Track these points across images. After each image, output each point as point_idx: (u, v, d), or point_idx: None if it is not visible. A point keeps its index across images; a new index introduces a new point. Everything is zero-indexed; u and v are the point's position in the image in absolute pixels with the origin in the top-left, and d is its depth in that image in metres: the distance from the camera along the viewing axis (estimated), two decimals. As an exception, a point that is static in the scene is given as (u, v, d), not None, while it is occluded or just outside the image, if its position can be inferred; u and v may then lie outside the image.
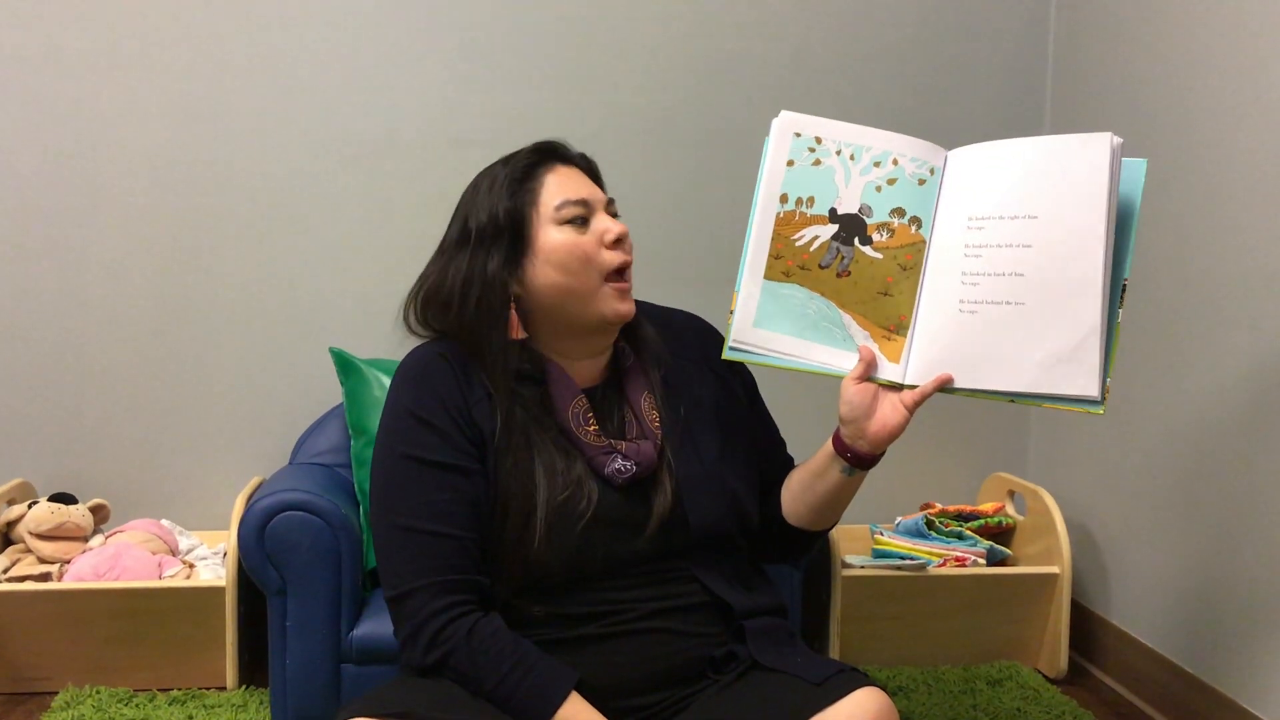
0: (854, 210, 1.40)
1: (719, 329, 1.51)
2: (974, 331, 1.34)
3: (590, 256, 1.39)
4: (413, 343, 1.48)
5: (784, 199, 1.41)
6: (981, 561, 2.36)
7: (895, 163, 1.39)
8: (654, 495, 1.39)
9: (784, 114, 1.42)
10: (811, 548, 1.57)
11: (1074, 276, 1.29)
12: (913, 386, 1.37)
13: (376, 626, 1.90)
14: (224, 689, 2.18)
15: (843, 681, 1.26)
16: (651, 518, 1.38)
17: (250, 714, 2.06)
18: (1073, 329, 1.29)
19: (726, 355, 1.43)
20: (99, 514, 2.38)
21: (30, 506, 2.31)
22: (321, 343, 2.42)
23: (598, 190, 1.44)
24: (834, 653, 2.23)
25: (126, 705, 2.08)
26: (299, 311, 2.50)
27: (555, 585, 1.36)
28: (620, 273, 1.41)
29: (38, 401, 2.46)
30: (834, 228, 1.40)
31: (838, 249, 1.40)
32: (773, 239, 1.41)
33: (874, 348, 1.38)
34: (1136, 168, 1.33)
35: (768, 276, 1.42)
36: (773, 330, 1.42)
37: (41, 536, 2.27)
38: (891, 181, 1.39)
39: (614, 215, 1.44)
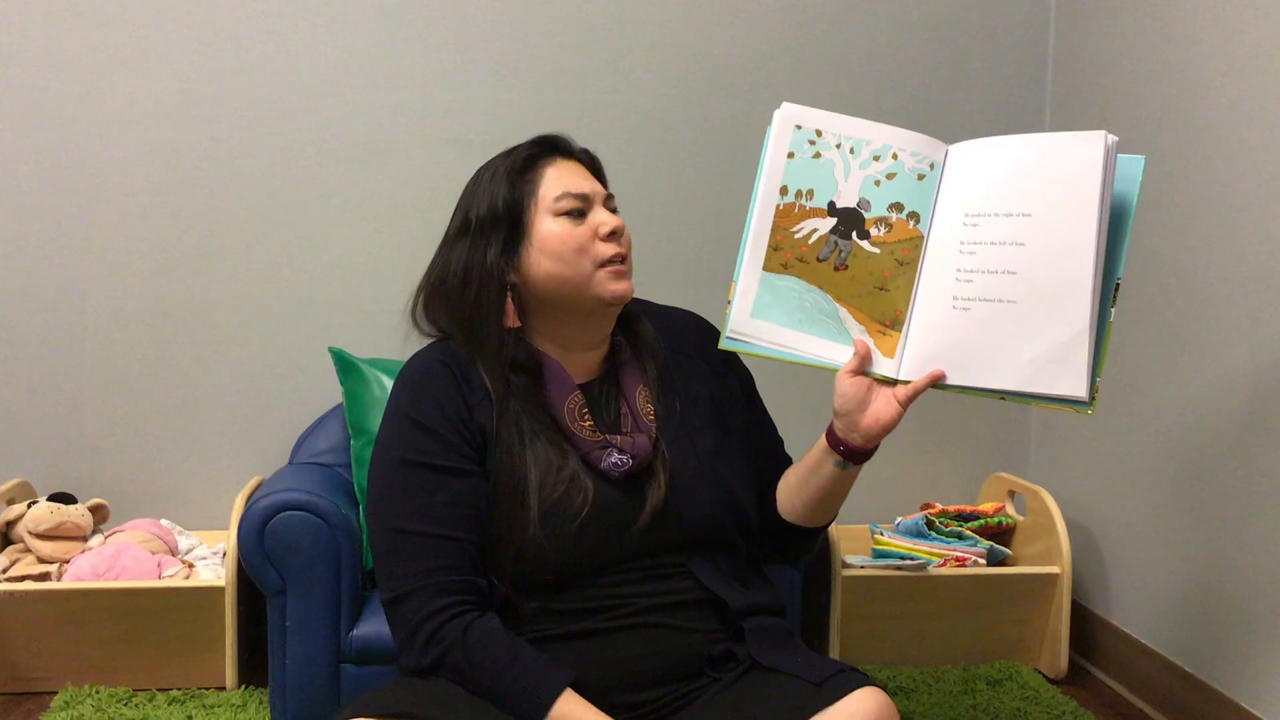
0: (852, 204, 1.40)
1: (717, 327, 1.52)
2: (967, 328, 1.34)
3: (584, 247, 1.40)
4: (414, 343, 1.50)
5: (784, 191, 1.41)
6: (982, 562, 2.36)
7: (895, 157, 1.39)
8: (648, 488, 1.40)
9: (785, 106, 1.42)
10: (809, 547, 1.56)
11: (1065, 276, 1.29)
12: (907, 382, 1.37)
13: (376, 627, 1.89)
14: (223, 689, 2.18)
15: (843, 681, 1.26)
16: (644, 511, 1.38)
17: (250, 714, 2.06)
18: (1062, 329, 1.29)
19: (723, 345, 1.44)
20: (98, 514, 2.38)
21: (29, 506, 2.31)
22: (321, 342, 2.42)
23: (597, 184, 1.46)
24: (834, 653, 2.23)
25: (126, 705, 2.08)
26: (299, 311, 2.50)
27: (550, 580, 1.36)
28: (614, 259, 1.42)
29: (37, 401, 2.46)
30: (832, 221, 1.40)
31: (836, 242, 1.40)
32: (772, 231, 1.42)
33: (869, 342, 1.38)
34: (1134, 164, 1.32)
35: (766, 268, 1.42)
36: (770, 321, 1.42)
37: (41, 536, 2.27)
38: (891, 176, 1.39)
39: (613, 210, 1.45)
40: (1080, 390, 1.28)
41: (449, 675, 1.29)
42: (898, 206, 1.39)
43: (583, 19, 2.51)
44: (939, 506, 2.52)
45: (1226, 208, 2.01)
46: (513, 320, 1.41)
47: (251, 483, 2.35)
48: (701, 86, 2.55)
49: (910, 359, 1.37)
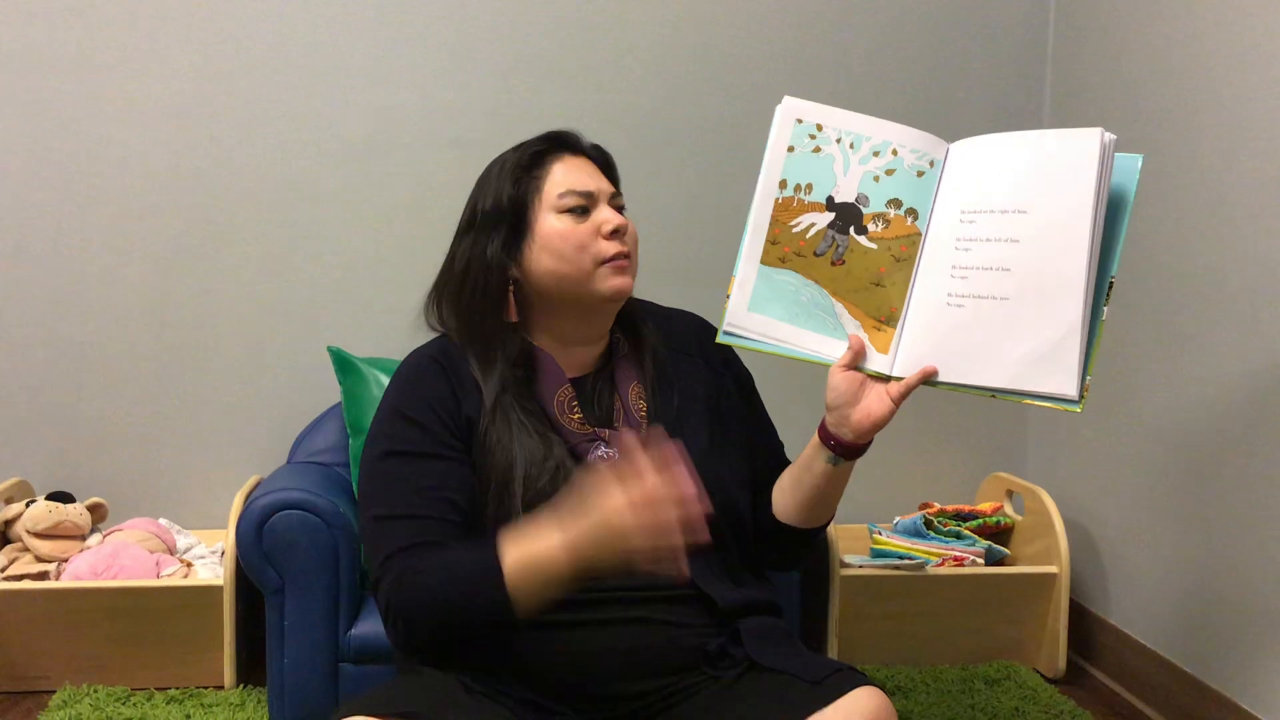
0: (851, 199, 1.40)
1: (718, 319, 1.52)
2: (960, 325, 1.34)
3: (585, 245, 1.41)
4: (413, 342, 1.51)
5: (783, 185, 1.41)
6: (980, 561, 2.36)
7: (894, 153, 1.39)
8: None
9: (787, 99, 1.42)
10: (805, 552, 1.56)
11: (1058, 273, 1.29)
12: (900, 378, 1.37)
13: (374, 626, 1.90)
14: (221, 688, 2.18)
15: (841, 681, 1.26)
16: None
17: (248, 713, 2.06)
18: (1054, 327, 1.29)
19: (720, 339, 1.44)
20: (97, 513, 2.38)
21: (28, 505, 2.31)
22: (319, 341, 2.42)
23: (604, 182, 1.46)
24: (832, 652, 2.23)
25: (124, 704, 2.08)
26: (297, 310, 2.50)
27: None
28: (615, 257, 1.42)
29: (35, 400, 2.46)
30: (830, 216, 1.40)
31: (833, 237, 1.40)
32: (770, 224, 1.42)
33: (864, 337, 1.38)
34: (1131, 163, 1.32)
35: (764, 261, 1.42)
36: (766, 315, 1.42)
37: (39, 535, 2.27)
38: (890, 172, 1.39)
39: (619, 208, 1.46)
40: (1070, 389, 1.28)
41: (415, 608, 1.29)
42: (896, 203, 1.39)
43: (582, 18, 2.51)
44: (937, 506, 2.52)
45: (1225, 206, 2.01)
46: (512, 315, 1.43)
47: (250, 482, 2.35)
48: (701, 86, 2.55)
49: (904, 355, 1.37)
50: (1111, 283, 1.30)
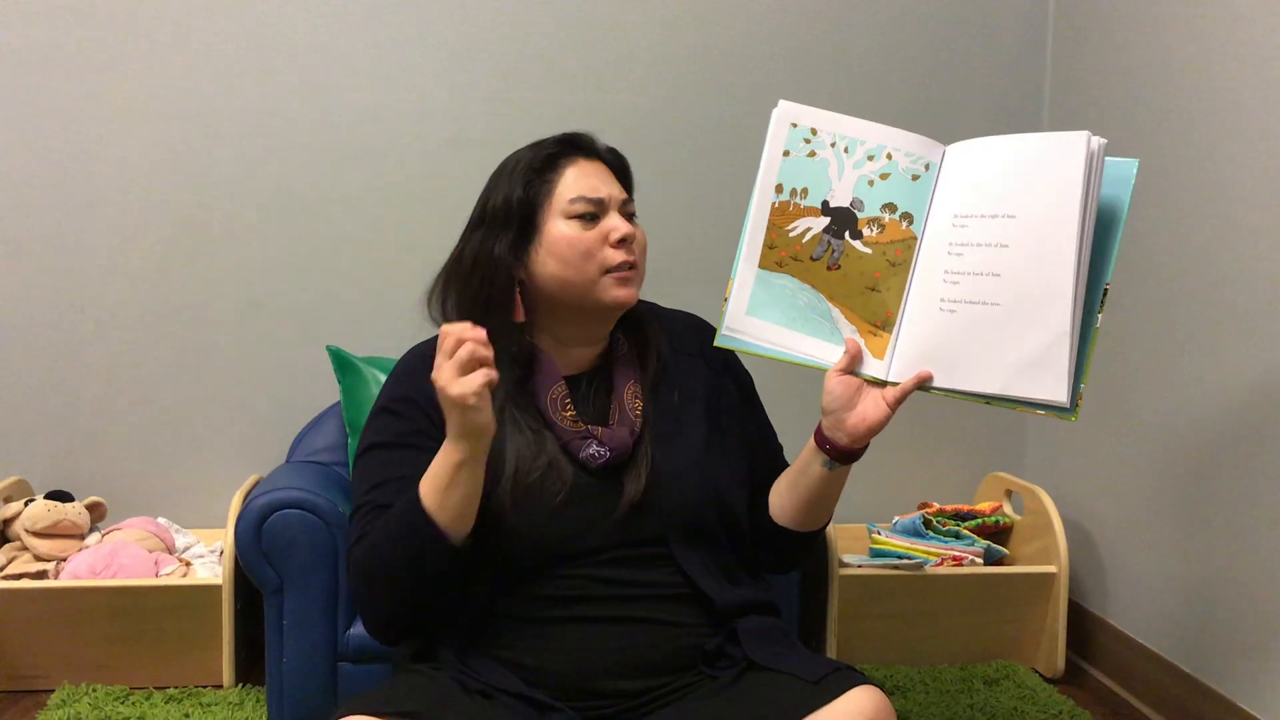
0: (845, 204, 1.39)
1: (717, 320, 1.52)
2: (953, 331, 1.34)
3: (591, 252, 1.40)
4: (412, 342, 1.52)
5: (779, 189, 1.41)
6: (979, 561, 2.36)
7: (889, 157, 1.39)
8: (628, 481, 1.41)
9: (782, 104, 1.42)
10: (804, 553, 1.56)
11: (1047, 278, 1.28)
12: (895, 383, 1.37)
13: (373, 625, 1.89)
14: (220, 687, 2.18)
15: (839, 680, 1.26)
16: (621, 503, 1.40)
17: (247, 712, 2.06)
18: (1043, 333, 1.28)
19: (718, 342, 1.44)
20: (95, 512, 2.38)
21: (26, 504, 2.31)
22: (319, 341, 2.42)
23: (617, 188, 1.45)
24: (831, 652, 2.23)
25: (123, 703, 2.08)
26: (296, 309, 2.50)
27: (525, 562, 1.38)
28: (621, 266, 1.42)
29: (34, 399, 2.46)
30: (826, 220, 1.40)
31: (829, 242, 1.40)
32: (767, 228, 1.42)
33: (860, 342, 1.38)
34: (1126, 168, 1.31)
35: (762, 265, 1.42)
36: (764, 319, 1.42)
37: (38, 534, 2.27)
38: (884, 176, 1.39)
39: (630, 214, 1.46)
40: (1061, 395, 1.28)
41: (368, 574, 1.33)
42: (891, 207, 1.39)
43: (582, 18, 2.51)
44: (936, 506, 2.52)
45: (1225, 207, 2.01)
46: (520, 315, 1.43)
47: (249, 481, 2.35)
48: (701, 86, 2.55)
49: (899, 360, 1.37)
50: (1106, 290, 1.29)
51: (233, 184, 2.46)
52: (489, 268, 1.41)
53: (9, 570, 2.22)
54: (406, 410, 1.42)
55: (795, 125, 1.41)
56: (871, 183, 1.39)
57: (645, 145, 2.52)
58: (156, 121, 2.43)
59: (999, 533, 2.48)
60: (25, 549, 2.28)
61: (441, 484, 1.28)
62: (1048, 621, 2.33)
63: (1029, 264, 1.29)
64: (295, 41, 2.45)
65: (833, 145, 1.40)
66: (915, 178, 1.38)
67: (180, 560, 2.30)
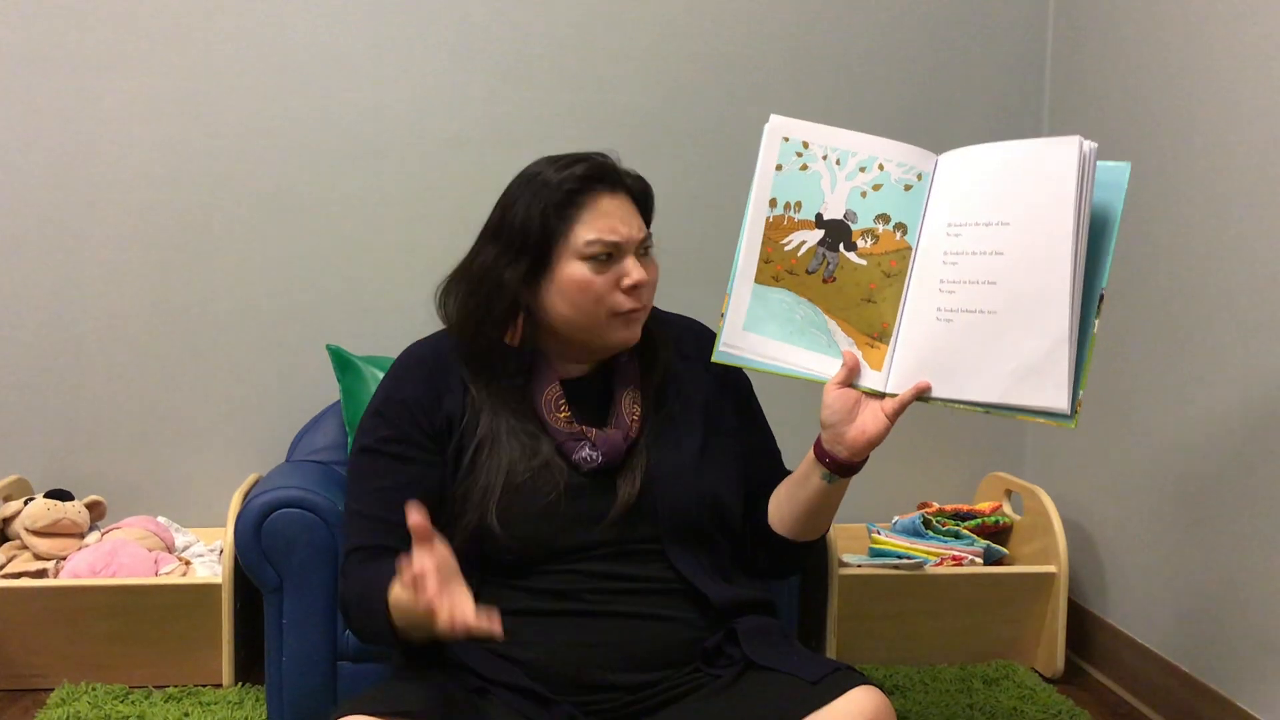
0: (839, 216, 1.39)
1: (715, 331, 1.52)
2: (950, 340, 1.33)
3: (601, 297, 1.40)
4: (411, 340, 1.52)
5: (773, 203, 1.41)
6: (978, 561, 2.36)
7: (881, 168, 1.38)
8: (621, 483, 1.42)
9: (773, 118, 1.42)
10: (799, 563, 1.56)
11: (1043, 285, 1.27)
12: (894, 395, 1.36)
13: (373, 624, 1.89)
14: (220, 686, 2.18)
15: (839, 680, 1.26)
16: (614, 506, 1.40)
17: (246, 711, 2.06)
18: (1041, 340, 1.27)
19: (716, 358, 1.44)
20: (95, 510, 2.38)
21: (26, 503, 2.31)
22: (318, 340, 2.42)
23: (636, 225, 1.43)
24: (831, 651, 2.23)
25: (122, 702, 2.08)
26: (296, 309, 2.50)
27: (516, 564, 1.39)
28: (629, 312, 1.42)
29: (34, 398, 2.46)
30: (820, 233, 1.40)
31: (824, 254, 1.40)
32: (762, 243, 1.41)
33: (858, 354, 1.38)
34: (1118, 172, 1.30)
35: (758, 280, 1.42)
36: (761, 334, 1.42)
37: (37, 533, 2.27)
38: (877, 187, 1.38)
39: (646, 251, 1.44)
40: (1061, 402, 1.27)
41: (343, 608, 1.42)
42: (884, 218, 1.38)
43: (582, 18, 2.50)
44: (936, 505, 2.52)
45: (1225, 210, 2.01)
46: (514, 339, 1.44)
47: (248, 480, 2.35)
48: (701, 86, 2.54)
49: (897, 371, 1.37)
50: (1102, 295, 1.28)
51: (233, 184, 2.46)
52: (495, 289, 1.41)
53: (9, 569, 2.22)
54: (397, 416, 1.43)
55: (787, 139, 1.41)
56: (864, 194, 1.38)
57: (646, 145, 2.52)
58: (156, 121, 2.43)
59: (999, 533, 2.48)
60: (25, 548, 2.28)
61: (406, 621, 1.27)
62: (1047, 621, 2.33)
63: (1025, 271, 1.29)
64: (295, 41, 2.45)
65: (824, 158, 1.40)
66: (908, 188, 1.38)
67: (180, 559, 2.30)
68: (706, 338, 1.55)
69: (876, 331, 1.38)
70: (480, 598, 1.38)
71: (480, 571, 1.40)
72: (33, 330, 2.45)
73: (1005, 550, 2.42)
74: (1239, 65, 1.97)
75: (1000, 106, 2.62)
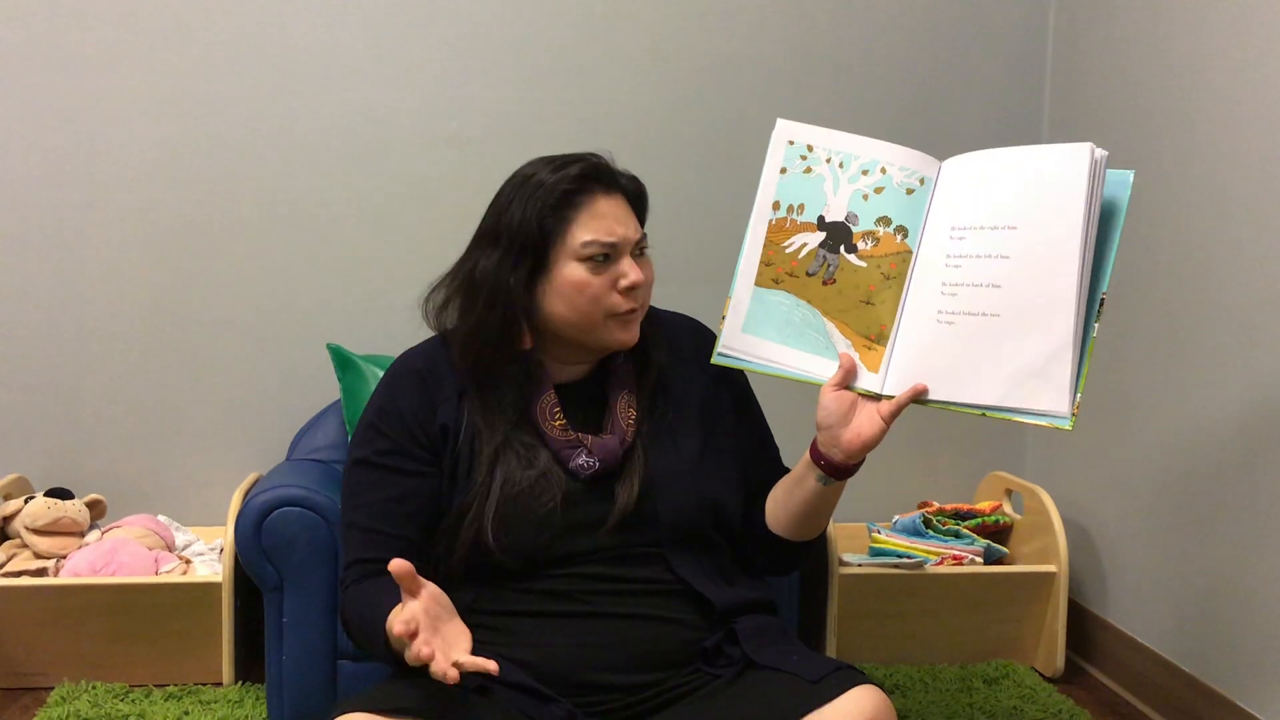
0: (841, 218, 1.40)
1: (715, 331, 1.52)
2: (950, 343, 1.34)
3: (599, 298, 1.40)
4: (412, 340, 1.52)
5: (776, 206, 1.42)
6: (979, 560, 2.36)
7: (883, 171, 1.39)
8: (619, 490, 1.42)
9: (780, 123, 1.43)
10: (797, 562, 1.56)
11: (1049, 290, 1.28)
12: (890, 397, 1.36)
13: (373, 623, 1.89)
14: (220, 685, 2.18)
15: (839, 679, 1.26)
16: (613, 512, 1.40)
17: (246, 710, 2.06)
18: (1045, 344, 1.28)
19: (715, 360, 1.45)
20: (95, 509, 2.38)
21: (26, 501, 2.31)
22: (319, 339, 2.42)
23: (631, 225, 1.43)
24: (831, 651, 2.23)
25: (122, 700, 2.08)
26: (296, 307, 2.50)
27: (515, 571, 1.39)
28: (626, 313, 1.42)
29: (34, 396, 2.46)
30: (821, 235, 1.40)
31: (824, 257, 1.40)
32: (764, 246, 1.42)
33: (855, 356, 1.38)
34: (1122, 179, 1.31)
35: (758, 283, 1.42)
36: (760, 337, 1.43)
37: (38, 531, 2.27)
38: (878, 190, 1.39)
39: (642, 250, 1.44)
40: (1062, 406, 1.27)
41: (344, 624, 1.42)
42: (885, 220, 1.39)
43: (584, 18, 2.50)
44: (936, 505, 2.52)
45: (1225, 212, 2.01)
46: (527, 343, 1.43)
47: (249, 479, 2.35)
48: (702, 86, 2.54)
49: (894, 374, 1.37)
50: (1103, 300, 1.29)
51: (232, 181, 2.46)
52: (500, 294, 1.40)
53: (9, 568, 2.22)
54: (391, 427, 1.43)
55: (792, 143, 1.42)
56: (866, 197, 1.39)
57: (647, 144, 2.53)
58: (156, 121, 2.43)
59: (999, 532, 2.48)
60: (25, 546, 2.28)
61: (404, 650, 1.26)
62: (1047, 621, 2.33)
63: (1031, 275, 1.29)
64: (295, 41, 2.45)
65: (828, 161, 1.40)
66: (910, 192, 1.38)
67: (180, 558, 2.30)
68: (705, 336, 1.55)
69: (874, 333, 1.38)
70: (480, 600, 1.40)
71: (480, 575, 1.40)
72: (33, 328, 2.45)
73: (1005, 550, 2.42)
74: (1239, 68, 1.97)
75: (1001, 109, 2.62)
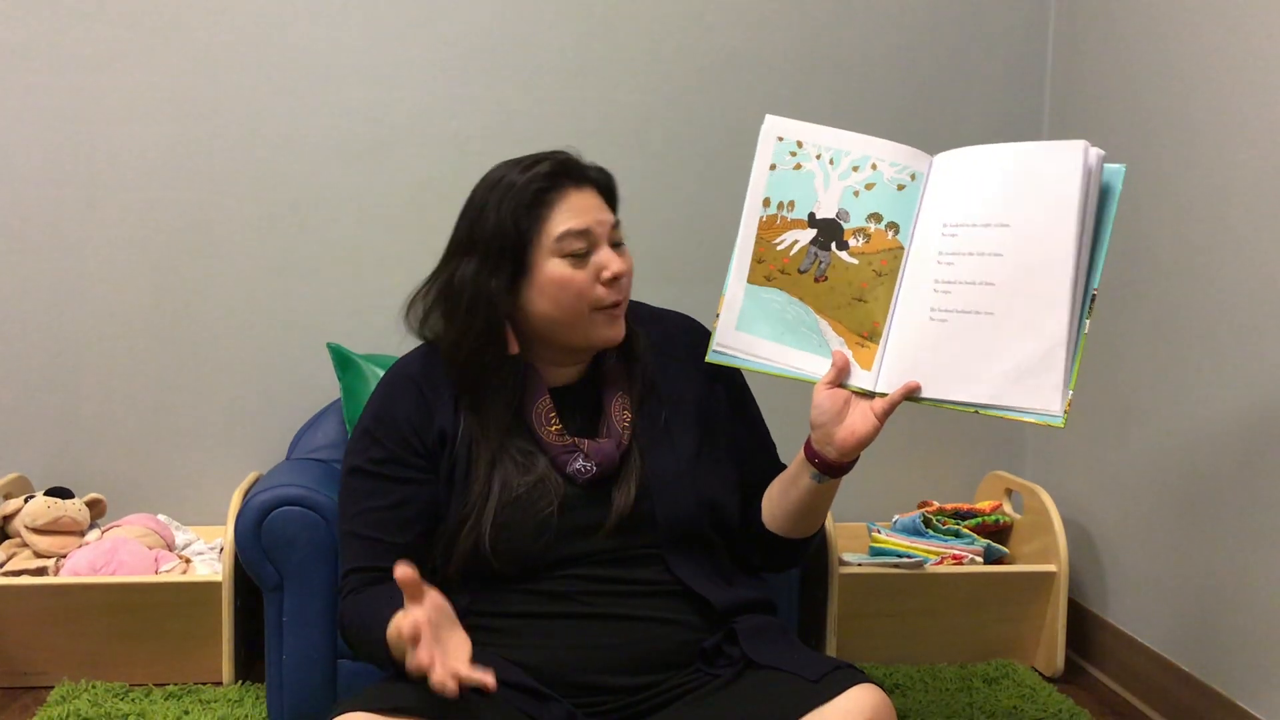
0: (831, 215, 1.39)
1: (709, 330, 1.52)
2: (943, 340, 1.33)
3: (583, 293, 1.40)
4: (412, 340, 1.52)
5: (767, 203, 1.41)
6: (979, 560, 2.36)
7: (874, 167, 1.38)
8: (616, 493, 1.42)
9: (769, 118, 1.42)
10: (794, 559, 1.56)
11: (1042, 288, 1.28)
12: (883, 394, 1.36)
13: (373, 622, 1.89)
14: (220, 684, 2.18)
15: (839, 679, 1.27)
16: (610, 516, 1.41)
17: (246, 709, 2.06)
18: (1038, 341, 1.28)
19: (709, 358, 1.45)
20: (95, 508, 2.38)
21: (26, 500, 2.31)
22: (319, 338, 2.42)
23: (605, 214, 1.43)
24: (831, 650, 2.23)
25: (122, 700, 2.08)
26: (297, 307, 2.50)
27: (514, 576, 1.40)
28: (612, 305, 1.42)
29: (35, 396, 2.46)
30: (812, 232, 1.40)
31: (816, 254, 1.40)
32: (756, 243, 1.42)
33: (848, 354, 1.38)
34: (1114, 175, 1.30)
35: (751, 280, 1.42)
36: (753, 334, 1.42)
37: (38, 531, 2.27)
38: (870, 186, 1.38)
39: (618, 241, 1.44)
40: (1055, 404, 1.27)
41: (343, 631, 1.43)
42: (876, 217, 1.38)
43: (584, 18, 2.50)
44: (936, 504, 2.51)
45: (1225, 212, 2.00)
46: (514, 347, 1.43)
47: (249, 478, 2.35)
48: (702, 86, 2.54)
49: (887, 371, 1.37)
50: (1094, 296, 1.28)
51: (232, 180, 2.46)
52: (481, 300, 1.39)
53: (9, 567, 2.22)
54: (386, 435, 1.43)
55: (781, 139, 1.41)
56: (857, 193, 1.38)
57: (647, 144, 2.52)
58: (156, 121, 2.43)
59: (999, 531, 2.48)
60: (25, 545, 2.28)
61: (403, 656, 1.26)
62: (1047, 620, 2.33)
63: (1024, 273, 1.29)
64: (295, 41, 2.45)
65: (818, 157, 1.40)
66: (901, 188, 1.38)
67: (180, 557, 2.30)
68: (700, 334, 1.55)
69: (867, 331, 1.38)
70: (479, 602, 1.40)
71: (479, 578, 1.40)
72: (32, 328, 2.45)
73: (1005, 549, 2.42)
74: (1239, 67, 1.97)
75: (1001, 108, 2.62)
